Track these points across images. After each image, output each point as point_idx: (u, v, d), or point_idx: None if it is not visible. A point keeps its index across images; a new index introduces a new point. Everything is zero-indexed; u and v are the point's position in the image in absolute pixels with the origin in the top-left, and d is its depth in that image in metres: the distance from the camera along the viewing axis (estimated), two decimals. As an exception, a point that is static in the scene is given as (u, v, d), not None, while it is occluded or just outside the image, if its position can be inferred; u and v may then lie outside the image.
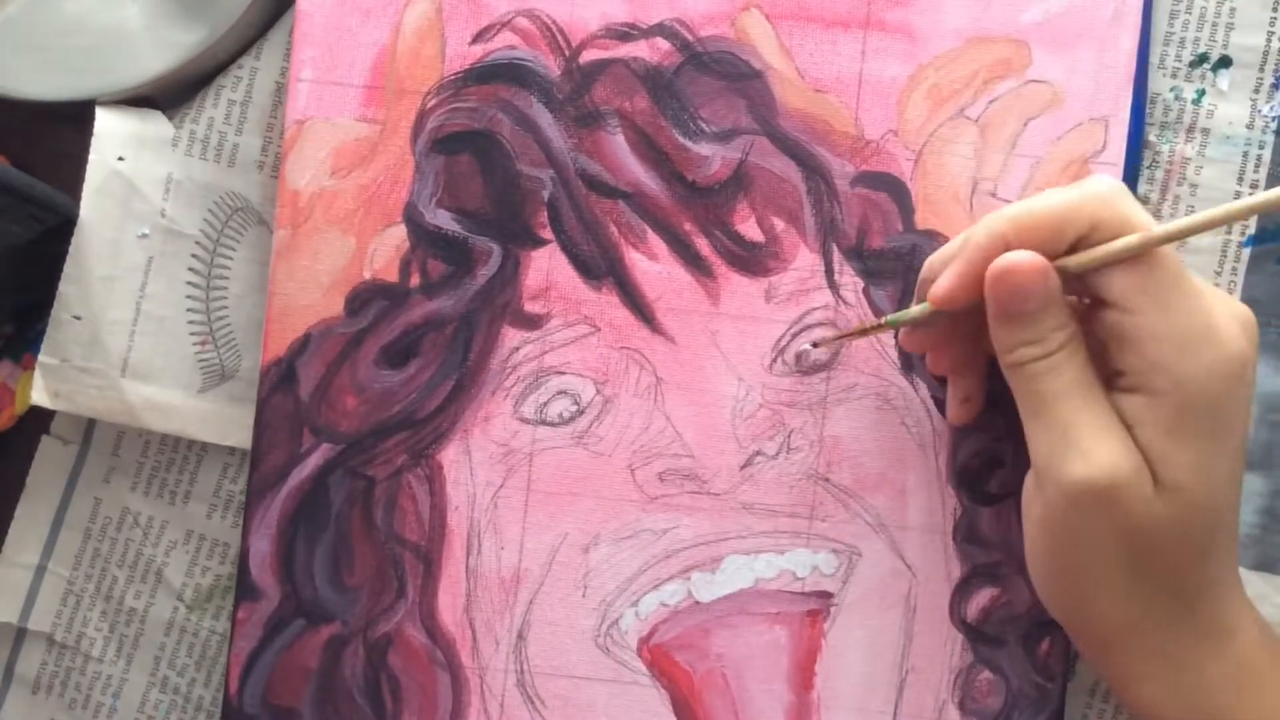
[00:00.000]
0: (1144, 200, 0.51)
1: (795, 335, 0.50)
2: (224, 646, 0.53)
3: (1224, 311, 0.42)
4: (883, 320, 0.47)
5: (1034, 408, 0.43)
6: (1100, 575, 0.43)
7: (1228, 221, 0.41)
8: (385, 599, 0.50)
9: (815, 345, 0.50)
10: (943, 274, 0.44)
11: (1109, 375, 0.43)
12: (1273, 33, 0.50)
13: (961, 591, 0.50)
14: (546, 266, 0.50)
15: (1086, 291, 0.43)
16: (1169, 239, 0.41)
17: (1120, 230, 0.41)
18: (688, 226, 0.50)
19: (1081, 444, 0.41)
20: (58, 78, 0.51)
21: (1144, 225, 0.41)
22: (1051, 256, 0.42)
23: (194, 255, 0.52)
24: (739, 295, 0.50)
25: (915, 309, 0.46)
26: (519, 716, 0.50)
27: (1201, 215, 0.41)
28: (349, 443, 0.50)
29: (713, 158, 0.50)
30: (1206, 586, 0.43)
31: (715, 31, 0.50)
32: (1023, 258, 0.42)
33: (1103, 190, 0.42)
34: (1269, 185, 0.51)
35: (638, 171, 0.50)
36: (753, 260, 0.50)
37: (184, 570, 0.53)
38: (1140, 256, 0.41)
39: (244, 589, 0.50)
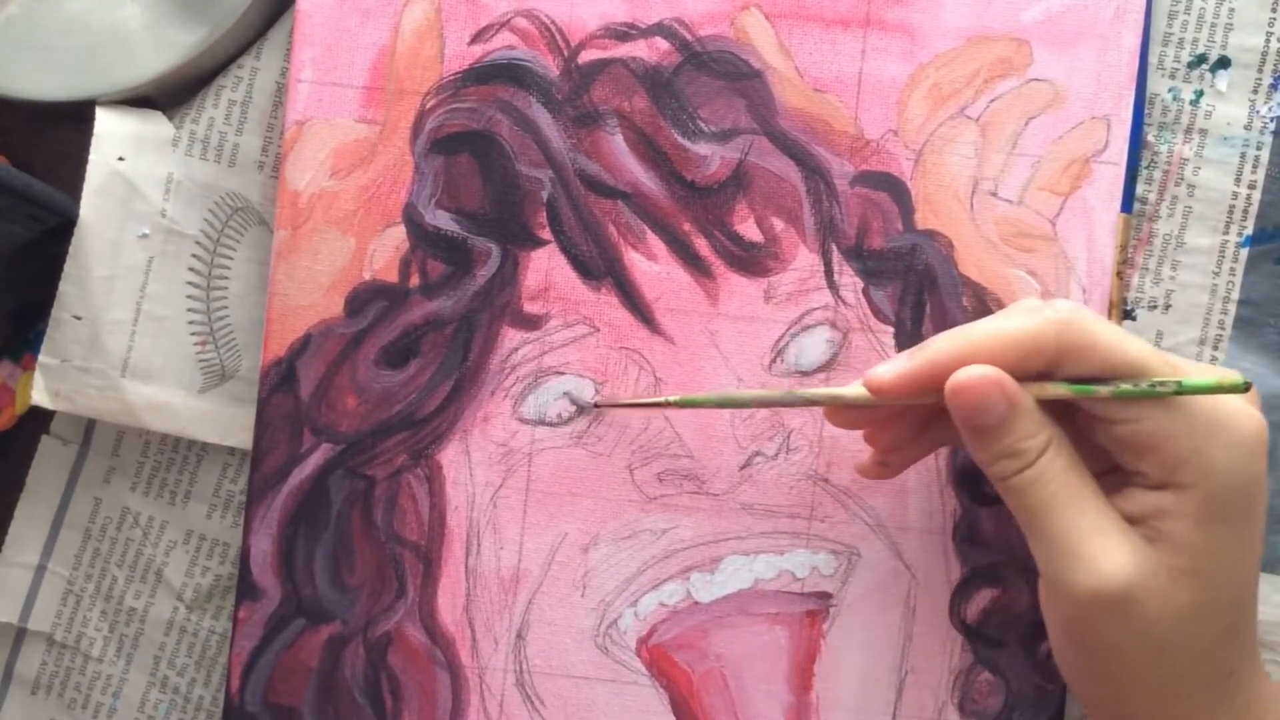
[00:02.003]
0: (1142, 200, 0.51)
1: (795, 335, 0.50)
2: (224, 646, 0.53)
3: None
4: (810, 394, 0.45)
5: (1026, 521, 0.43)
6: (1131, 677, 0.42)
7: (1175, 394, 0.41)
8: (385, 599, 0.50)
9: (597, 405, 0.50)
10: (888, 363, 0.43)
11: (1120, 478, 0.42)
12: (1271, 33, 0.50)
13: (961, 592, 0.50)
14: (546, 267, 0.50)
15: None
16: (1123, 395, 0.41)
17: (1088, 355, 0.41)
18: (687, 227, 0.50)
19: (1083, 554, 0.41)
20: (58, 78, 0.51)
21: (1112, 344, 0.41)
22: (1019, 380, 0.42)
23: (194, 255, 0.52)
24: (738, 295, 0.50)
25: (851, 389, 0.45)
26: (518, 716, 0.50)
27: (1113, 387, 0.41)
28: (349, 443, 0.50)
29: (712, 158, 0.50)
30: (1238, 665, 0.42)
31: (714, 31, 0.50)
32: (975, 372, 0.41)
33: (1066, 316, 0.41)
34: (1267, 186, 0.50)
35: (637, 171, 0.50)
36: (752, 260, 0.50)
37: (184, 570, 0.54)
38: (1115, 369, 0.41)
39: (245, 588, 0.50)
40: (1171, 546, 0.40)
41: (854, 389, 0.44)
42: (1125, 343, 0.41)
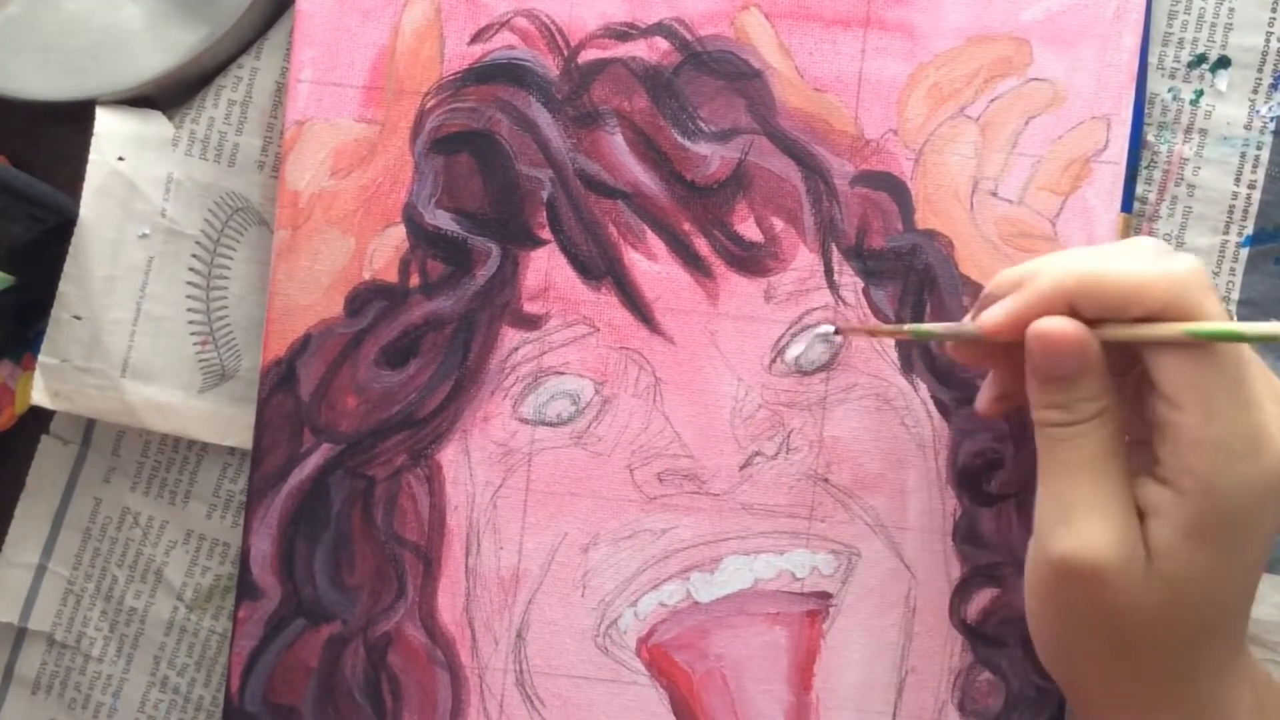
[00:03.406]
0: (1141, 200, 0.51)
1: (795, 334, 0.50)
2: (224, 646, 0.53)
3: (1278, 419, 0.40)
4: (928, 329, 0.47)
5: (1045, 471, 0.42)
6: (1088, 650, 0.42)
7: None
8: (385, 598, 0.50)
9: (837, 332, 0.49)
10: (998, 305, 0.42)
11: (1148, 459, 0.42)
12: (1271, 33, 0.50)
13: (961, 592, 0.50)
14: (545, 267, 0.50)
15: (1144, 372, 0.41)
16: (1211, 337, 0.39)
17: (1188, 318, 0.39)
18: (687, 226, 0.50)
19: (1074, 519, 0.41)
20: (58, 78, 0.51)
21: (1217, 317, 0.39)
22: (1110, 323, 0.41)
23: (194, 255, 0.52)
24: (738, 295, 0.50)
25: (969, 325, 0.44)
26: (518, 716, 0.50)
27: (1250, 328, 0.38)
28: (349, 443, 0.50)
29: (712, 157, 0.50)
30: (1201, 674, 0.42)
31: (714, 31, 0.50)
32: (1063, 327, 0.40)
33: (1182, 274, 0.40)
34: (1267, 185, 0.50)
35: (637, 171, 0.50)
36: (752, 260, 0.50)
37: (184, 570, 0.54)
38: (1201, 351, 0.39)
39: (245, 588, 0.50)
40: (1154, 548, 0.40)
41: (973, 326, 0.44)
42: (1224, 319, 0.40)
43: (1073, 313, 0.41)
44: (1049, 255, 0.44)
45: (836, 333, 0.49)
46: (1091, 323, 0.41)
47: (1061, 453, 0.41)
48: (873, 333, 0.49)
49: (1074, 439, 0.41)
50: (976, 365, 0.48)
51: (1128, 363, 0.42)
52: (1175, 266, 0.40)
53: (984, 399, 0.48)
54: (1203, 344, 0.39)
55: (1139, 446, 0.42)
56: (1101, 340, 0.41)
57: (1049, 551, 0.41)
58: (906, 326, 0.48)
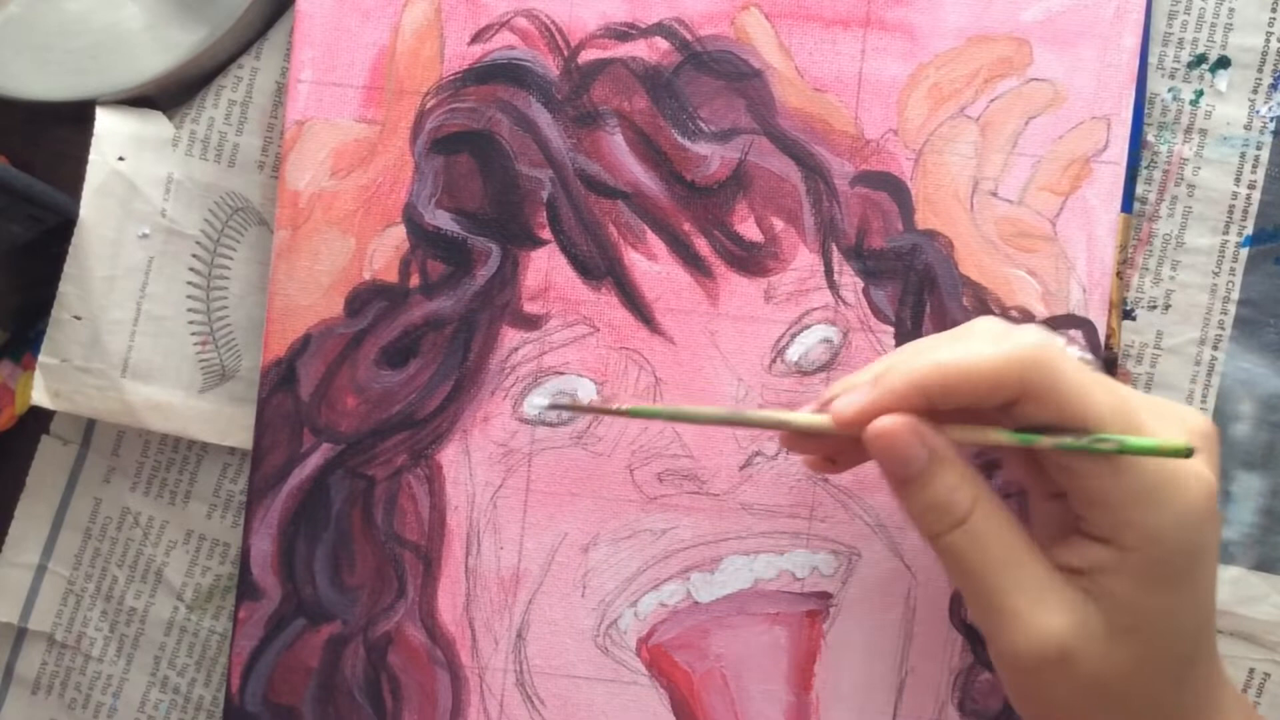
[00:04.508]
0: (1141, 200, 0.51)
1: (795, 335, 0.50)
2: (224, 646, 0.53)
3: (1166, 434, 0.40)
4: (764, 417, 0.44)
5: (959, 579, 0.41)
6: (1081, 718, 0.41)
7: (1072, 449, 0.39)
8: (385, 598, 0.50)
9: (552, 406, 0.49)
10: (851, 394, 0.41)
11: (1069, 518, 0.41)
12: (1271, 33, 0.50)
13: (961, 592, 0.50)
14: (545, 267, 0.50)
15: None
16: (1064, 448, 0.39)
17: (1048, 399, 0.39)
18: (687, 227, 0.50)
19: (1020, 616, 0.39)
20: (58, 78, 0.51)
21: (1072, 393, 0.39)
22: (977, 416, 0.40)
23: (194, 255, 0.52)
24: (738, 295, 0.50)
25: (807, 416, 0.43)
26: (518, 716, 0.50)
27: (1056, 439, 0.39)
28: (349, 443, 0.50)
29: (712, 157, 0.50)
30: (1189, 704, 0.42)
31: (714, 31, 0.50)
32: (891, 421, 0.39)
33: (1032, 354, 0.39)
34: (1267, 186, 0.50)
35: (637, 171, 0.50)
36: (752, 260, 0.50)
37: (184, 570, 0.54)
38: (1082, 412, 0.39)
39: (245, 588, 0.50)
40: (1112, 604, 0.39)
41: (804, 415, 0.43)
42: (1087, 392, 0.39)
43: (930, 410, 0.40)
44: (896, 353, 0.43)
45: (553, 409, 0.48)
46: (951, 416, 0.40)
47: (965, 558, 0.40)
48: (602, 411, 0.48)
49: (969, 540, 0.40)
50: (815, 466, 0.47)
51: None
52: (1020, 344, 0.39)
53: (816, 461, 0.46)
54: (1085, 403, 0.39)
55: (1046, 505, 0.42)
56: (953, 439, 0.40)
57: (1005, 655, 0.40)
58: (744, 412, 0.44)
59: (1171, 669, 0.41)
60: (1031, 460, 0.42)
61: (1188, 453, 0.38)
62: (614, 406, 0.44)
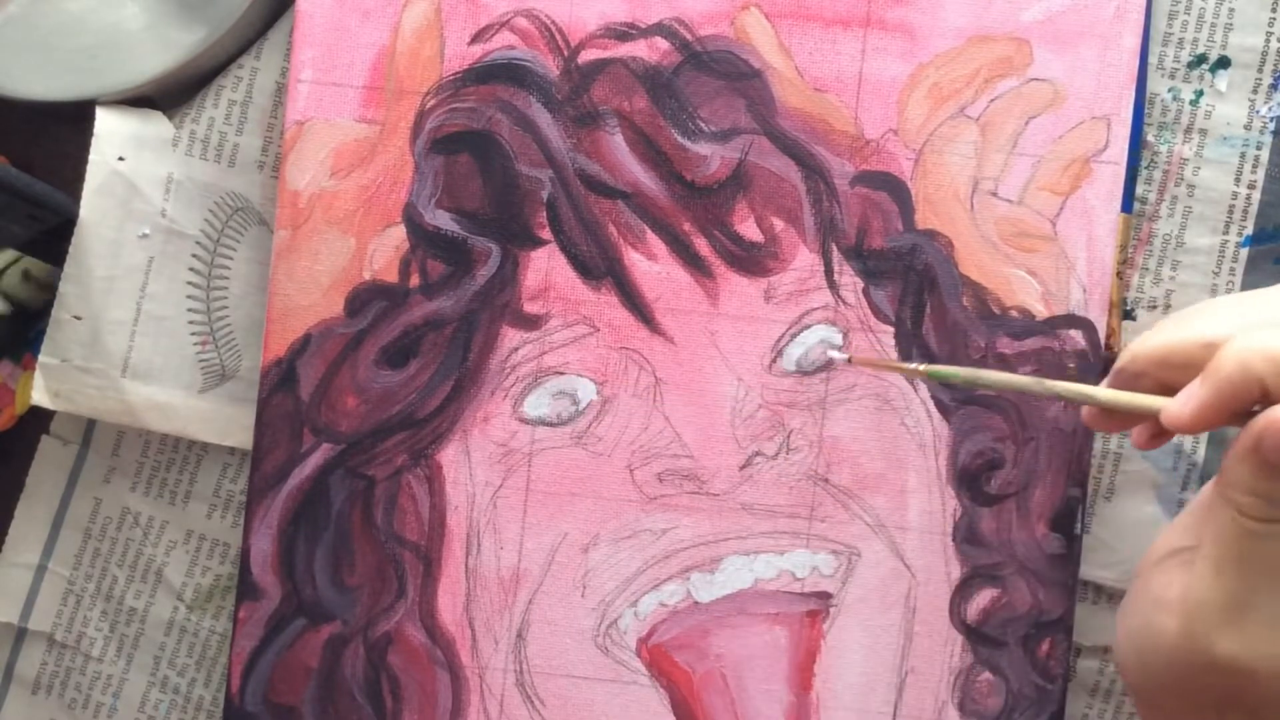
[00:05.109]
0: (1141, 200, 0.51)
1: (795, 335, 0.50)
2: (224, 646, 0.53)
3: None
4: (1054, 387, 0.42)
5: (1220, 559, 0.38)
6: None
7: None
8: (385, 598, 0.50)
9: (850, 361, 0.46)
10: (1184, 397, 0.38)
11: None
12: (1271, 33, 0.50)
13: (961, 592, 0.50)
14: (545, 267, 0.50)
15: None
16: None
17: None
18: (687, 226, 0.50)
19: (1249, 623, 0.37)
20: (58, 78, 0.51)
21: None
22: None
23: (194, 255, 0.52)
24: (738, 295, 0.50)
25: (1135, 399, 0.41)
26: (518, 715, 0.50)
27: None
28: (349, 443, 0.50)
29: (712, 157, 0.50)
30: None
31: (714, 31, 0.50)
32: None
33: None
34: (1267, 185, 0.50)
35: (637, 171, 0.50)
36: (752, 260, 0.50)
37: (184, 570, 0.54)
38: None
39: (245, 588, 0.50)
40: None
41: (1131, 397, 0.41)
42: None
43: (1265, 396, 0.37)
44: (1201, 322, 0.40)
45: (849, 361, 0.47)
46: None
47: (1251, 547, 0.37)
48: (969, 381, 0.45)
49: (1270, 538, 0.37)
50: (1103, 428, 0.45)
51: None
52: None
53: (1142, 437, 0.44)
54: None
55: None
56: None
57: (1212, 649, 0.38)
58: (1004, 376, 0.43)
59: None
60: None
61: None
62: (911, 365, 0.44)
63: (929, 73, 0.50)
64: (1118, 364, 0.42)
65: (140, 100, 0.52)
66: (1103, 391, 0.41)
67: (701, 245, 0.50)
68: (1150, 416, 0.41)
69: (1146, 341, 0.41)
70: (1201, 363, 0.38)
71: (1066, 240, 0.50)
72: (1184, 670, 0.40)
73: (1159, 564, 0.41)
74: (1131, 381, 0.41)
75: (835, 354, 0.49)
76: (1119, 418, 0.43)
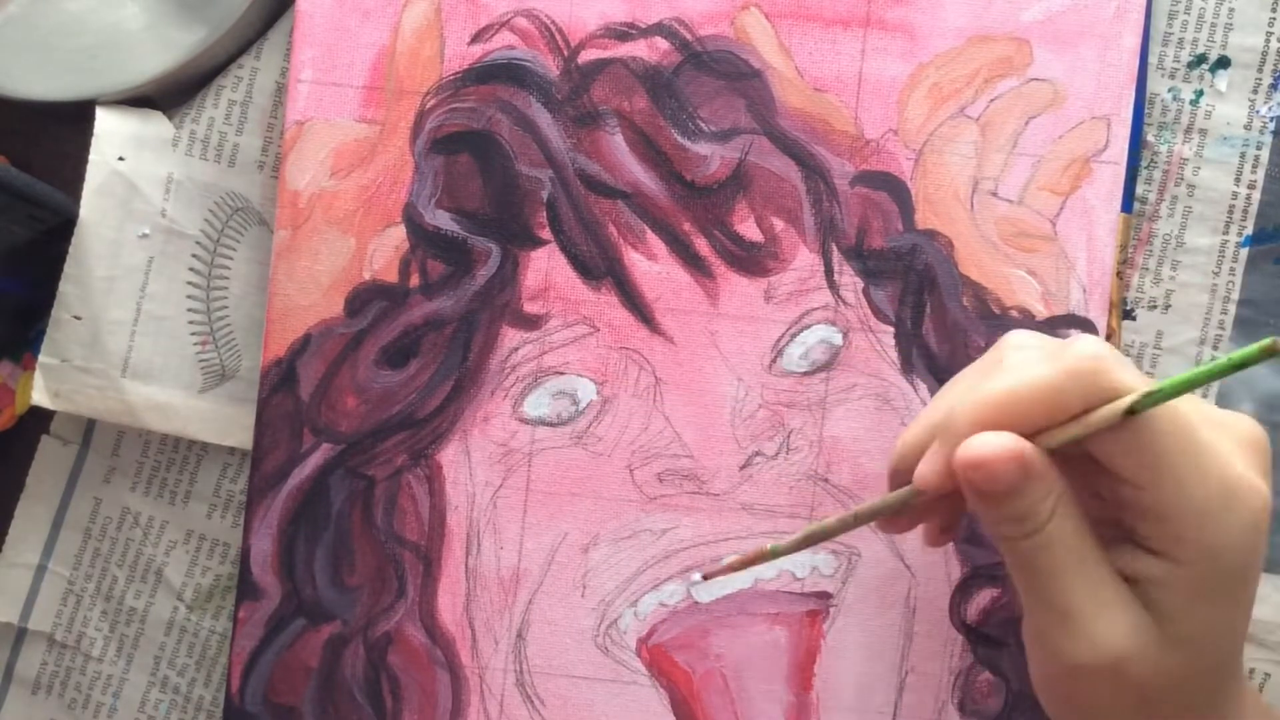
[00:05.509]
0: (1142, 200, 0.51)
1: (795, 335, 0.50)
2: (224, 646, 0.53)
3: (1233, 452, 0.39)
4: (852, 514, 0.42)
5: (1025, 583, 0.41)
6: None
7: (1206, 381, 0.37)
8: (385, 598, 0.50)
9: (705, 578, 0.45)
10: (926, 461, 0.40)
11: (1120, 530, 0.40)
12: (1271, 33, 0.50)
13: (961, 592, 0.50)
14: (545, 267, 0.50)
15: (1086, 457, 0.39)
16: (1144, 404, 0.37)
17: (1115, 398, 0.38)
18: (687, 226, 0.50)
19: (1077, 623, 0.39)
20: (58, 78, 0.51)
21: (1136, 387, 0.37)
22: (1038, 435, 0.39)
23: (194, 255, 0.52)
24: (738, 295, 0.50)
25: (894, 496, 0.42)
26: (518, 716, 0.50)
27: (1174, 380, 0.37)
28: (349, 443, 0.50)
29: (712, 157, 0.50)
30: (1223, 715, 0.42)
31: (714, 31, 0.50)
32: (992, 445, 0.38)
33: (1090, 366, 0.38)
34: (1267, 185, 0.50)
35: (637, 171, 0.50)
36: (752, 260, 0.50)
37: (184, 570, 0.54)
38: (1140, 424, 0.37)
39: (245, 588, 0.50)
40: (1163, 615, 0.39)
41: (888, 498, 0.42)
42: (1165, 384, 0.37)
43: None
44: (943, 395, 0.43)
45: (704, 578, 0.45)
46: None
47: (1035, 561, 0.39)
48: (739, 565, 0.44)
49: (1045, 545, 0.39)
50: (914, 526, 0.46)
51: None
52: (1081, 353, 0.38)
53: (930, 534, 0.46)
54: (1140, 416, 0.37)
55: (1101, 518, 0.41)
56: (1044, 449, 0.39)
57: (1062, 661, 0.40)
58: (811, 527, 0.43)
59: (1216, 677, 0.41)
60: (1078, 464, 0.40)
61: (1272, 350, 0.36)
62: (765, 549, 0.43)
63: (929, 73, 0.50)
64: (890, 467, 0.44)
65: (140, 100, 0.52)
66: (857, 507, 0.42)
67: (701, 245, 0.50)
68: (915, 504, 0.42)
69: (903, 438, 0.43)
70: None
71: (1066, 240, 0.50)
72: (1062, 695, 0.41)
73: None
74: (906, 479, 0.42)
75: (697, 578, 0.46)
76: (904, 518, 0.44)
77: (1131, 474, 0.38)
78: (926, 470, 0.40)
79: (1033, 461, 0.38)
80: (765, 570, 0.50)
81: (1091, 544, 0.39)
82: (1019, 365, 0.40)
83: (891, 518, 0.43)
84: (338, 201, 0.51)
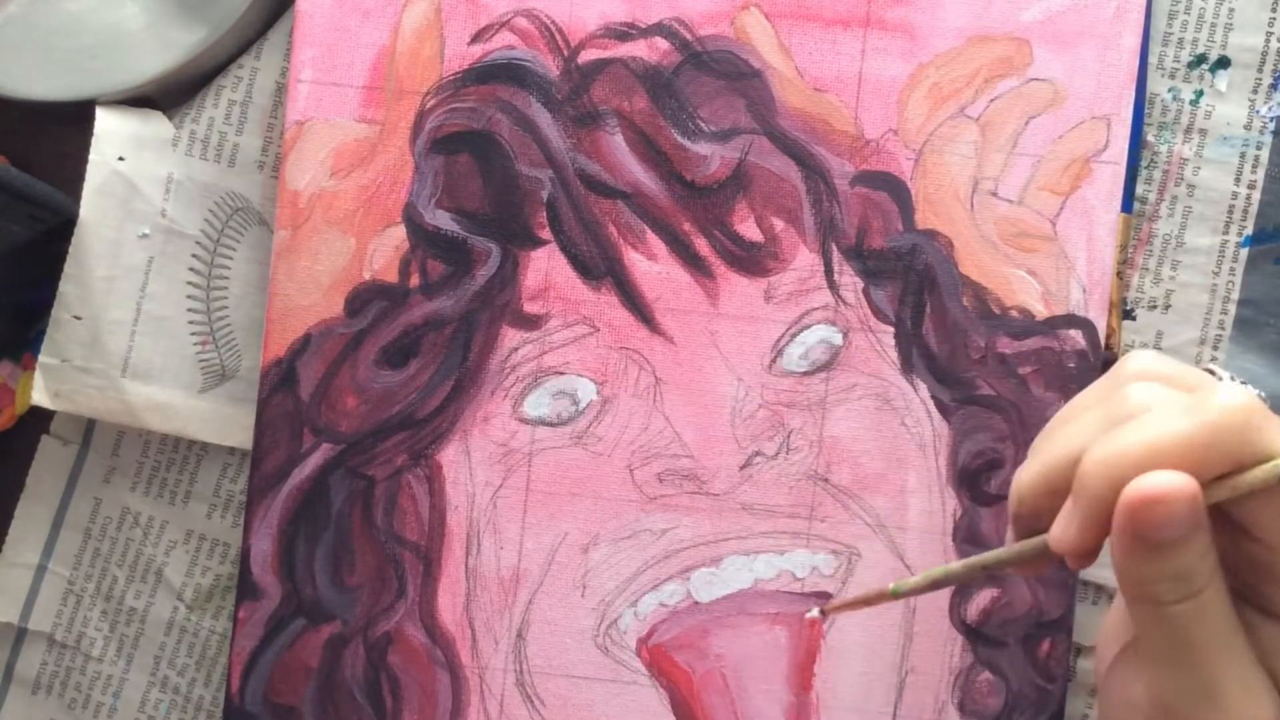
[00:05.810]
0: (1141, 200, 0.51)
1: (795, 335, 0.50)
2: (224, 646, 0.53)
3: None
4: (979, 561, 0.39)
5: (1170, 652, 0.36)
6: None
7: None
8: (385, 598, 0.50)
9: (823, 614, 0.42)
10: (1063, 522, 0.36)
11: (1245, 593, 0.36)
12: (1271, 33, 0.50)
13: (961, 592, 0.50)
14: (545, 267, 0.50)
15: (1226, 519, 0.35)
16: None
17: (1265, 456, 0.34)
18: (687, 226, 0.50)
19: (1226, 702, 0.35)
20: (58, 78, 0.51)
21: None
22: None
23: (194, 255, 0.52)
24: (738, 295, 0.50)
25: (1027, 548, 0.38)
26: (518, 716, 0.50)
27: None
28: (349, 443, 0.50)
29: (712, 157, 0.50)
30: None
31: (714, 31, 0.50)
32: (1169, 482, 0.33)
33: (1237, 421, 0.33)
34: (1267, 185, 0.50)
35: (637, 171, 0.50)
36: (752, 260, 0.50)
37: (184, 570, 0.54)
38: None
39: (245, 588, 0.50)
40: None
41: (1030, 544, 0.38)
42: None
43: None
44: (1059, 431, 0.38)
45: (823, 614, 0.43)
46: None
47: (1189, 632, 0.35)
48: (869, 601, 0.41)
49: (1199, 613, 0.35)
50: (1044, 572, 0.42)
51: None
52: (1227, 406, 0.34)
53: (1074, 562, 0.39)
54: None
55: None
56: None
57: None
58: (934, 573, 0.40)
59: None
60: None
61: None
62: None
63: (929, 73, 0.50)
64: (1011, 510, 0.39)
65: (140, 100, 0.52)
66: (984, 556, 0.39)
67: (701, 245, 0.50)
68: (1046, 553, 0.38)
69: (1021, 480, 0.38)
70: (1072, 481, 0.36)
71: (1066, 240, 0.50)
72: None
73: (1113, 668, 0.39)
74: (1032, 523, 0.38)
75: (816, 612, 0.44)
76: (1029, 564, 0.40)
77: (1275, 534, 0.35)
78: (1061, 534, 0.36)
79: (1203, 513, 0.34)
80: (766, 570, 0.50)
81: (1235, 620, 0.36)
82: (1156, 420, 0.35)
83: (1024, 566, 0.40)
84: (338, 201, 0.51)
